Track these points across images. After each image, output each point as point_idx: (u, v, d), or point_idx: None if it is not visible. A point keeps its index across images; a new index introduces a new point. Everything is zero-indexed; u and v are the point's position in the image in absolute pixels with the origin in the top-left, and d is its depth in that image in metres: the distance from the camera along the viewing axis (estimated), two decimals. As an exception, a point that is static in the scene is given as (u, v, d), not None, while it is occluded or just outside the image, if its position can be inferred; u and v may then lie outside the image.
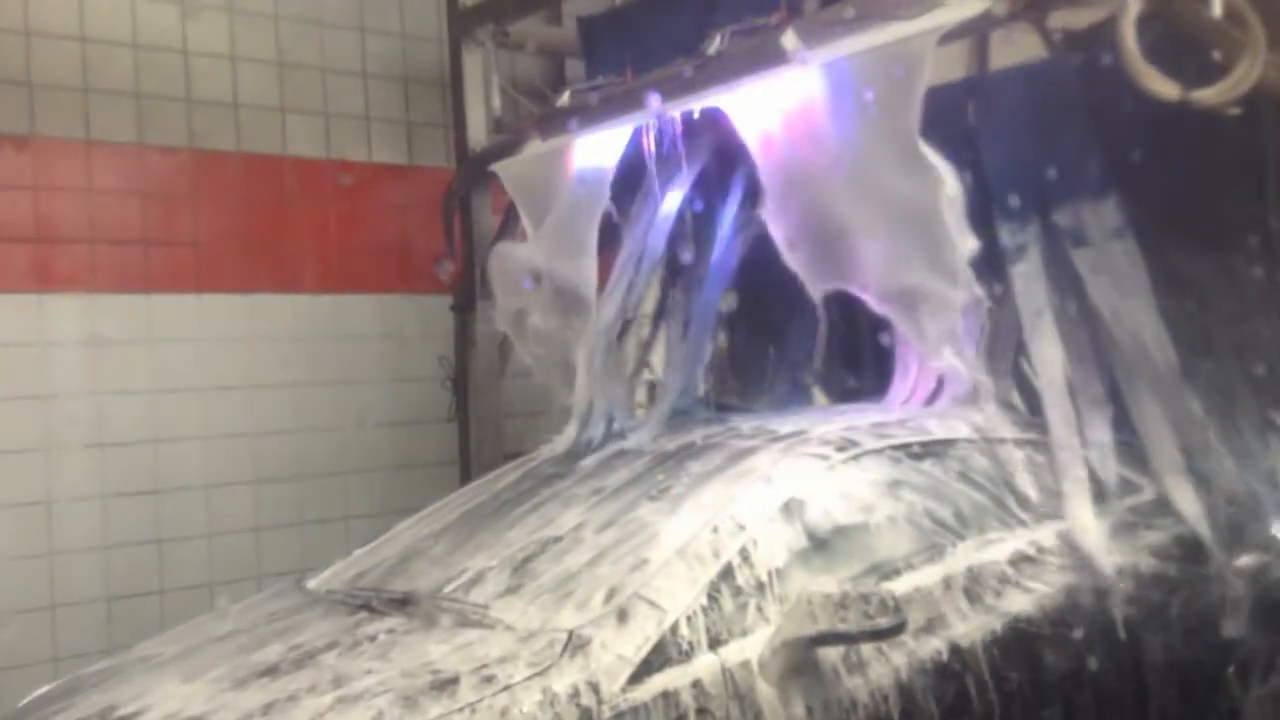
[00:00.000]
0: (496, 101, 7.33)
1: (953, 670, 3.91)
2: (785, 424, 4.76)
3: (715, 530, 3.83)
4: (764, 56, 5.35)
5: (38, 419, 6.95)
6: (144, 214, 7.35)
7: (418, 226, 8.06)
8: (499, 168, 6.82)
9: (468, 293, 7.35)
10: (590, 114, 6.30)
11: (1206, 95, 4.39)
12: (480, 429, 7.30)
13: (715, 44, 5.98)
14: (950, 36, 4.76)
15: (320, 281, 7.93)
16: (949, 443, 4.61)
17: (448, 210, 7.41)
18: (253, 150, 7.77)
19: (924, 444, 4.56)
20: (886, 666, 3.78)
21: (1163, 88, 4.42)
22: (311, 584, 4.49)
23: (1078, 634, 4.23)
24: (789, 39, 5.26)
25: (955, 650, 3.94)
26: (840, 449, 4.33)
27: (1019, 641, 4.09)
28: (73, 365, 7.05)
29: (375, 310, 8.12)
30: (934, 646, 3.90)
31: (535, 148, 6.64)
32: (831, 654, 3.68)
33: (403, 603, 3.96)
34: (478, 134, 7.33)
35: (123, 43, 7.35)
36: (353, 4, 8.22)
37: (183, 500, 7.36)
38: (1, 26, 6.96)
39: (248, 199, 7.72)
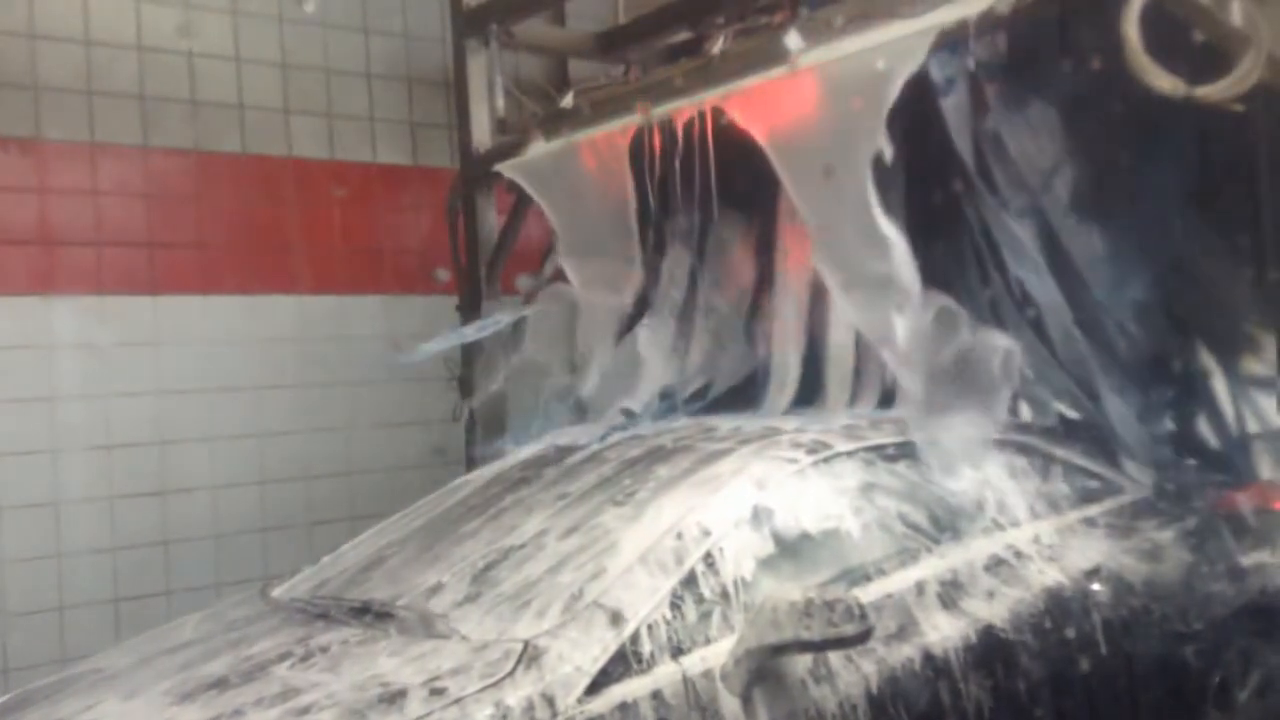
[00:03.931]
0: (500, 102, 7.29)
1: (925, 678, 3.85)
2: (760, 425, 4.71)
3: (679, 536, 3.78)
4: (766, 56, 5.33)
5: (44, 421, 6.99)
6: (149, 216, 7.38)
7: (422, 227, 8.11)
8: (504, 168, 6.82)
9: (473, 293, 7.33)
10: (593, 114, 6.29)
11: (1210, 91, 4.33)
12: (486, 429, 7.28)
13: (718, 43, 5.97)
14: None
15: (325, 282, 7.95)
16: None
17: (451, 210, 7.42)
18: (257, 152, 7.79)
19: (898, 446, 4.50)
20: (856, 675, 3.72)
21: (1166, 83, 4.36)
22: (276, 592, 4.47)
23: (1055, 640, 4.17)
24: (792, 39, 5.23)
25: (928, 658, 3.88)
26: (811, 451, 4.27)
27: (995, 648, 4.03)
28: (78, 367, 7.09)
29: (380, 311, 8.13)
30: (906, 654, 3.84)
31: (539, 148, 6.64)
32: (799, 663, 3.62)
33: (361, 612, 3.92)
34: (481, 134, 7.32)
35: (127, 45, 7.38)
36: (356, 5, 8.24)
37: (189, 501, 7.40)
38: (6, 30, 6.99)
39: (252, 201, 7.75)
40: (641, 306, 6.24)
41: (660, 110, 5.83)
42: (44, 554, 6.94)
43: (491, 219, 7.36)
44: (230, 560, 7.43)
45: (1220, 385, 5.13)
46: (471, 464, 7.16)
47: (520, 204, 7.05)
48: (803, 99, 5.22)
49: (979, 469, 4.49)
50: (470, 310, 7.32)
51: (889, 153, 4.84)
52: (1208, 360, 5.18)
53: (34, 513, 6.92)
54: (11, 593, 6.84)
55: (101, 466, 7.14)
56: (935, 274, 4.99)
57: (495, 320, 6.83)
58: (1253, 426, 5.04)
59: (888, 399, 5.18)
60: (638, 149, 6.00)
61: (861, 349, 5.34)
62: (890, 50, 4.85)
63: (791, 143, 5.29)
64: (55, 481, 7.00)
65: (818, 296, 5.58)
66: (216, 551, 7.45)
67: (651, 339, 6.12)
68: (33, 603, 6.89)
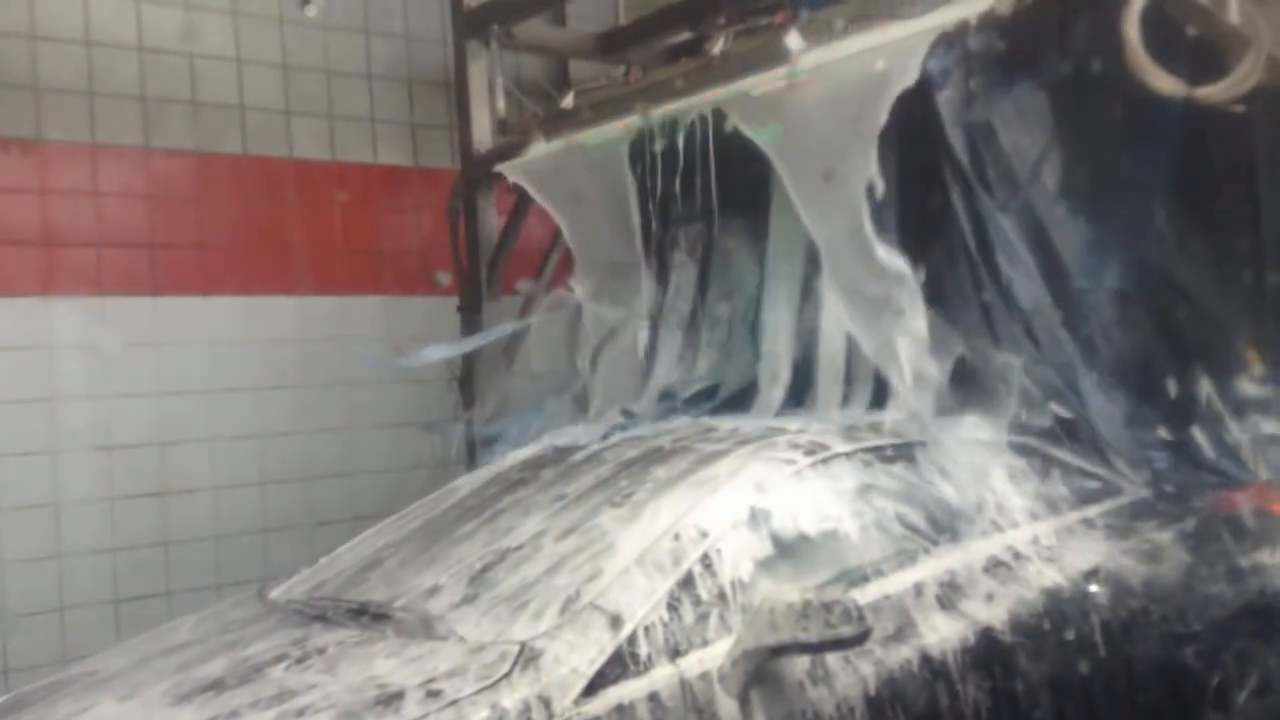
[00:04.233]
0: (501, 103, 7.29)
1: (924, 680, 3.84)
2: (758, 426, 4.71)
3: (676, 538, 3.77)
4: (767, 57, 5.31)
5: (45, 422, 6.99)
6: (150, 217, 7.38)
7: (423, 228, 8.12)
8: (505, 168, 6.82)
9: (473, 293, 7.34)
10: (593, 114, 6.29)
11: (1211, 92, 4.34)
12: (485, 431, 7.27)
13: (719, 44, 5.96)
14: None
15: (326, 283, 7.96)
16: (923, 445, 4.53)
17: (452, 211, 7.42)
18: (258, 153, 7.79)
19: (896, 447, 4.49)
20: (854, 677, 3.71)
21: (1166, 84, 4.36)
22: (273, 593, 4.45)
23: (1054, 642, 4.16)
24: (792, 39, 5.22)
25: (926, 659, 3.87)
26: (809, 453, 4.26)
27: (993, 650, 4.02)
28: (79, 368, 7.09)
29: (381, 311, 8.13)
30: (904, 656, 3.83)
31: (539, 149, 6.63)
32: (796, 665, 3.61)
33: (358, 613, 3.91)
34: (482, 135, 7.32)
35: (128, 46, 7.38)
36: (357, 6, 8.24)
37: (189, 502, 7.40)
38: (7, 31, 7.00)
39: (253, 202, 7.75)
40: (650, 317, 6.21)
41: (660, 112, 5.80)
42: (45, 555, 6.94)
43: (492, 220, 7.37)
44: (231, 561, 7.42)
45: (1210, 389, 5.11)
46: (472, 465, 7.18)
47: (521, 204, 7.04)
48: (802, 101, 5.21)
49: (984, 475, 4.48)
50: (471, 311, 7.33)
51: (880, 183, 4.85)
52: (1199, 364, 5.16)
53: (34, 513, 6.92)
54: (12, 593, 6.84)
55: (102, 467, 7.14)
56: (928, 275, 5.02)
57: (500, 329, 6.84)
58: (1242, 432, 5.02)
59: (879, 400, 5.16)
60: (638, 154, 5.99)
61: (853, 350, 5.30)
62: (890, 51, 4.84)
63: (791, 145, 5.28)
64: (56, 482, 7.00)
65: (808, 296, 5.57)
66: (217, 552, 7.45)
67: (658, 350, 6.11)
68: (33, 603, 6.89)
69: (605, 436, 5.11)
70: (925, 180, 5.18)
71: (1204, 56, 4.47)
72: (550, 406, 6.36)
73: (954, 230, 5.18)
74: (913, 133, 4.94)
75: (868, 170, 4.82)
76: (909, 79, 4.73)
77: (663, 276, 6.29)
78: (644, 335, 6.28)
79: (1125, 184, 5.05)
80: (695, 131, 5.63)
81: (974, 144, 5.05)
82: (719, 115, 5.50)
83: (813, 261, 5.44)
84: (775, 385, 5.54)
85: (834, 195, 5.00)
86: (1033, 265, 5.03)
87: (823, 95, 5.12)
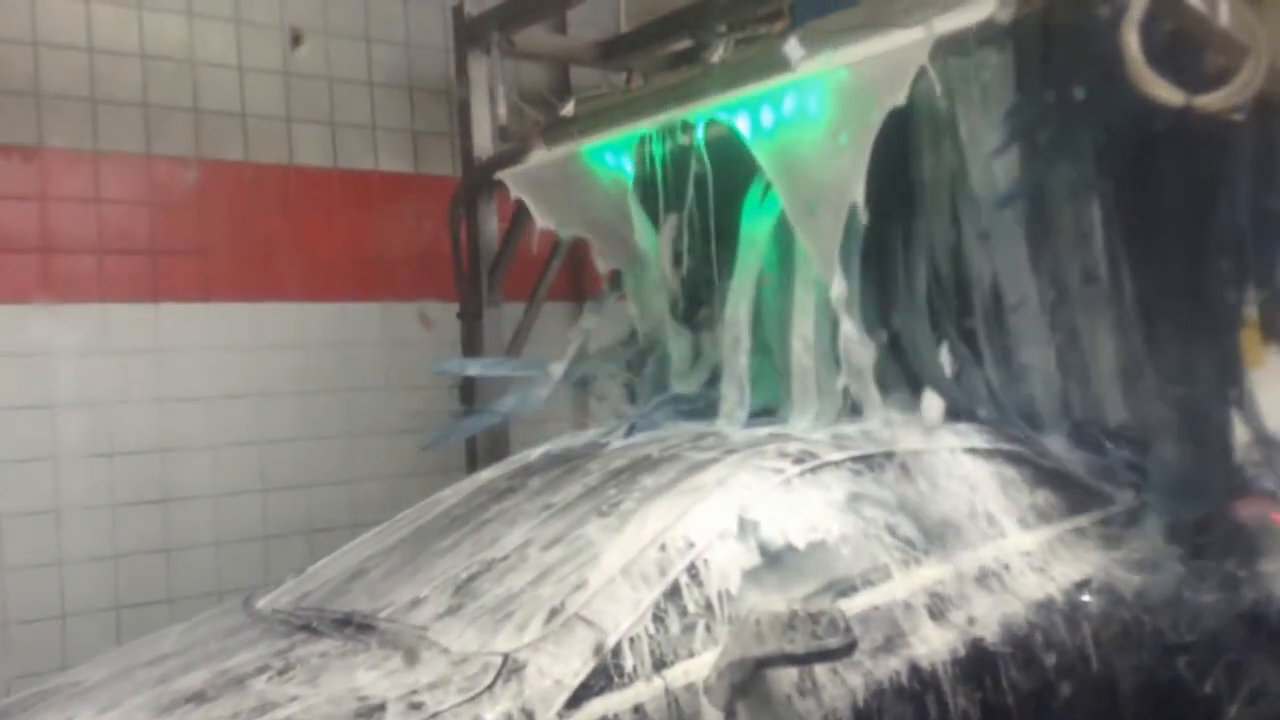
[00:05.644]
0: (502, 110, 7.30)
1: (913, 691, 3.82)
2: (746, 434, 4.69)
3: (663, 548, 3.74)
4: (767, 64, 5.30)
5: (46, 428, 6.98)
6: (151, 224, 7.38)
7: (424, 234, 8.11)
8: (505, 175, 6.82)
9: (474, 299, 7.35)
10: (594, 122, 6.28)
11: (1211, 101, 4.32)
12: (487, 436, 7.28)
13: (718, 51, 5.94)
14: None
15: (327, 289, 7.94)
16: (914, 453, 4.51)
17: (454, 218, 7.44)
18: (259, 160, 7.79)
19: (887, 455, 4.46)
20: (842, 688, 3.68)
21: (1166, 93, 4.34)
22: (260, 603, 4.44)
23: (1045, 653, 4.14)
24: (792, 47, 5.21)
25: (915, 670, 3.85)
26: (798, 461, 4.23)
27: (983, 661, 4.00)
28: (81, 375, 7.09)
29: (382, 317, 8.14)
30: (893, 667, 3.81)
31: (540, 156, 6.63)
32: (784, 677, 3.59)
33: (343, 624, 3.89)
34: (483, 142, 7.33)
35: (130, 53, 7.38)
36: (358, 14, 8.24)
37: (191, 509, 7.39)
38: (9, 37, 7.00)
39: (255, 208, 7.74)
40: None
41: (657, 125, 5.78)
42: (45, 561, 6.94)
43: (493, 226, 7.41)
44: (232, 568, 7.42)
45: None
46: (473, 471, 7.18)
47: (521, 211, 7.04)
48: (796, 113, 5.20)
49: (974, 485, 4.46)
50: (472, 317, 7.35)
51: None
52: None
53: (35, 520, 6.92)
54: (13, 600, 6.84)
55: (103, 474, 7.14)
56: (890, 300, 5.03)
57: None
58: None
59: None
60: (645, 188, 5.97)
61: (822, 364, 5.25)
62: (890, 59, 4.81)
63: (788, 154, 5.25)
64: (57, 488, 6.99)
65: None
66: (218, 559, 7.44)
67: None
68: (34, 610, 6.89)
69: (628, 434, 5.10)
70: (896, 190, 5.19)
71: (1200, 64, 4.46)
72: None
73: (920, 241, 5.20)
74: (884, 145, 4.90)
75: (858, 181, 4.80)
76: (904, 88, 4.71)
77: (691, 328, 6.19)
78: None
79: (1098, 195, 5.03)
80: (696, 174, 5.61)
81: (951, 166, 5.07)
82: (721, 145, 5.47)
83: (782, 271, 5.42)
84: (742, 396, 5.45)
85: (827, 208, 4.98)
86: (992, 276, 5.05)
87: (822, 100, 5.11)
